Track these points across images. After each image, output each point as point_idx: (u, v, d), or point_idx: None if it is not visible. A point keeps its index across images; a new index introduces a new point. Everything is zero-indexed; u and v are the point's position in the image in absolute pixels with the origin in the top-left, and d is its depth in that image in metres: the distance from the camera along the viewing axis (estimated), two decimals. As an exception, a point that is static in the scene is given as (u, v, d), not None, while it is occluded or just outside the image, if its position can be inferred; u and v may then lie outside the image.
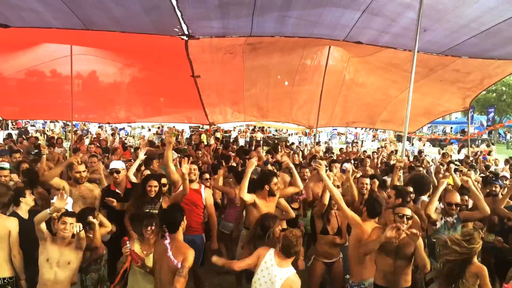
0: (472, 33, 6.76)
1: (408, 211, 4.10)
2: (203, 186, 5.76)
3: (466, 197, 5.70)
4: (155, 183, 5.08)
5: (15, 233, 4.21)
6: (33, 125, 32.29)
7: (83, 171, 5.26)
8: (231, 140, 21.82)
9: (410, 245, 3.97)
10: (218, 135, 22.11)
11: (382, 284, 4.18)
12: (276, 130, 31.09)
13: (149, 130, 30.90)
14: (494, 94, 42.39)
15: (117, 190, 5.45)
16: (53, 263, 3.89)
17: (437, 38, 7.18)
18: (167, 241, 3.80)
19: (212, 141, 18.16)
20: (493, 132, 39.09)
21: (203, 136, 19.92)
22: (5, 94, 12.00)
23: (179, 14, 6.00)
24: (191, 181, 5.37)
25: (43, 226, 3.94)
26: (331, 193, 4.53)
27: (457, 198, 4.97)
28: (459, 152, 16.34)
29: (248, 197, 5.02)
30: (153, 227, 4.17)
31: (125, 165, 5.83)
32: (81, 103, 12.51)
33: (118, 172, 5.47)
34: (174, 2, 5.60)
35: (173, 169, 5.55)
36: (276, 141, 18.14)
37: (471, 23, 6.36)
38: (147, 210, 4.96)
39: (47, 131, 29.71)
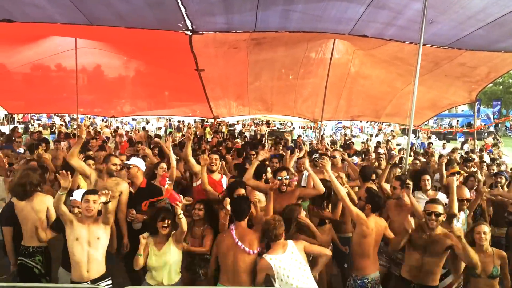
0: (479, 25, 6.66)
1: (439, 208, 4.12)
2: (224, 176, 5.81)
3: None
4: (242, 191, 4.80)
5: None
6: (39, 119, 32.47)
7: (119, 164, 5.18)
8: (236, 134, 21.80)
9: (442, 243, 4.03)
10: (223, 129, 22.06)
11: (407, 277, 4.28)
12: (280, 124, 31.01)
13: (147, 123, 30.73)
14: (501, 87, 42.06)
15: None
16: (84, 243, 3.93)
17: (443, 30, 7.10)
18: (233, 231, 4.10)
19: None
20: (499, 125, 38.86)
21: (208, 130, 19.93)
22: (10, 88, 12.06)
23: (183, 9, 5.98)
24: (212, 171, 5.45)
25: (64, 208, 3.98)
26: (336, 190, 4.48)
27: (466, 193, 5.08)
28: (461, 147, 16.27)
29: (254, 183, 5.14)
30: (168, 221, 4.19)
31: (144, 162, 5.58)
32: (86, 96, 12.57)
33: (128, 167, 5.30)
34: (178, -2, 5.58)
35: (193, 162, 5.64)
36: (281, 135, 18.07)
37: (478, 14, 6.27)
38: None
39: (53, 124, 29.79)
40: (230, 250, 4.06)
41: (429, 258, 4.11)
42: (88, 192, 4.09)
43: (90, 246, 3.96)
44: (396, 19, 6.79)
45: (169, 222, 4.18)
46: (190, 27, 6.86)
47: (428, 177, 5.66)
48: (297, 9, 6.38)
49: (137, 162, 5.34)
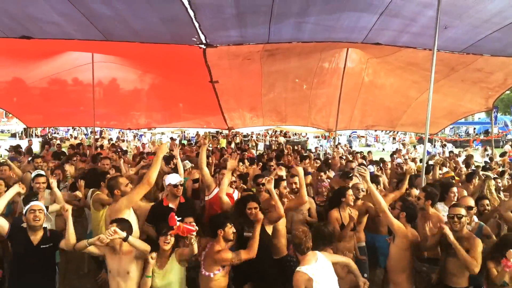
0: (495, 28, 6.54)
1: (462, 211, 4.17)
2: (236, 190, 5.81)
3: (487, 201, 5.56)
4: (254, 204, 4.70)
5: None
6: (57, 133, 33.00)
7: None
8: (249, 145, 21.78)
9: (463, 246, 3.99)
10: (238, 139, 22.11)
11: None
12: (295, 134, 30.96)
13: (163, 134, 30.53)
14: (519, 93, 41.35)
15: (170, 205, 5.10)
16: (114, 273, 3.89)
17: (458, 35, 7.00)
18: (208, 246, 4.14)
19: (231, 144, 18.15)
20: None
21: (222, 141, 20.00)
22: (28, 103, 12.31)
23: (196, 25, 6.05)
24: None
25: (93, 249, 3.93)
26: (377, 201, 4.44)
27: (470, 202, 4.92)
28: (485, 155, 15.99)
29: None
30: (171, 237, 4.02)
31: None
32: (103, 110, 12.75)
33: (182, 185, 5.19)
34: (192, 14, 5.64)
35: (206, 171, 5.57)
36: (296, 145, 17.97)
37: (494, 18, 6.17)
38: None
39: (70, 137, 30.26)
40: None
41: (450, 258, 4.08)
42: (114, 221, 3.95)
43: (120, 276, 3.88)
44: (409, 26, 6.76)
45: (172, 238, 4.01)
46: (204, 41, 6.93)
47: (455, 189, 5.61)
48: (310, 20, 6.40)
49: (181, 178, 5.35)
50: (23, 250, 4.07)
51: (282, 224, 5.05)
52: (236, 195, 5.69)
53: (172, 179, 5.16)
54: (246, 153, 12.12)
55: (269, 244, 4.79)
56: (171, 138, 24.66)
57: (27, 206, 4.12)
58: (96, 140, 16.31)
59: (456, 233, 4.09)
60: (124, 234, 3.72)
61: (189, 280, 4.29)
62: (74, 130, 33.27)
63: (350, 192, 5.37)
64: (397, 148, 18.30)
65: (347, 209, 5.35)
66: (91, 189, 5.81)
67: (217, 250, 4.03)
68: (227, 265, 4.06)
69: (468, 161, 11.46)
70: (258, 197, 5.19)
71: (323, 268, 3.73)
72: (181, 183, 5.16)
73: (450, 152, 16.10)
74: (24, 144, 17.31)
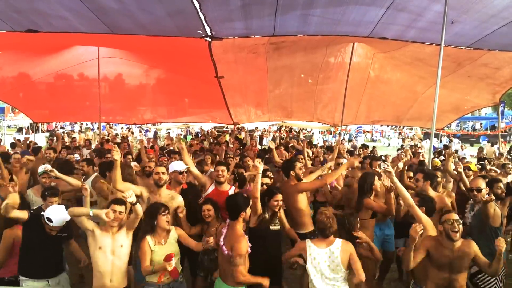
0: (502, 22, 6.49)
1: (455, 216, 3.89)
2: (233, 187, 5.56)
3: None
4: (280, 197, 4.64)
5: None
6: (63, 127, 33.11)
7: (163, 173, 4.72)
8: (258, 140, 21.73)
9: (466, 257, 3.83)
10: (243, 134, 22.07)
11: None
12: (300, 129, 30.84)
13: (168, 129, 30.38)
14: (526, 88, 40.90)
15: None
16: (107, 252, 3.81)
17: (465, 30, 6.96)
18: (224, 229, 4.02)
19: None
20: (525, 127, 37.82)
21: (227, 136, 19.98)
22: (35, 98, 12.39)
23: (202, 16, 6.05)
24: (220, 182, 5.23)
25: (83, 220, 3.85)
26: (403, 196, 4.34)
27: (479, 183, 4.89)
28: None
29: None
30: (169, 214, 4.07)
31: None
32: (108, 105, 12.80)
33: (187, 172, 5.23)
34: (197, 6, 5.65)
35: (196, 172, 5.38)
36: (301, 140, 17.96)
37: (501, 12, 6.13)
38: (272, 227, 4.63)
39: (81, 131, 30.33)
40: (219, 247, 4.03)
41: (456, 275, 3.84)
42: (115, 201, 3.94)
43: (114, 254, 3.83)
44: (416, 21, 6.73)
45: (169, 215, 4.07)
46: (209, 33, 6.94)
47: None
48: (316, 13, 6.37)
49: (184, 166, 5.28)
50: (37, 238, 4.08)
51: (303, 204, 5.24)
52: (232, 191, 5.40)
53: (177, 166, 5.18)
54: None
55: (279, 241, 4.81)
56: (168, 134, 24.62)
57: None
58: (106, 136, 16.32)
59: (454, 242, 3.80)
60: (134, 199, 3.81)
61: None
62: (81, 124, 33.33)
63: (376, 178, 5.31)
64: (408, 145, 18.16)
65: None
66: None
67: (240, 235, 3.90)
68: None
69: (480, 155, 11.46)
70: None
71: (327, 257, 3.76)
72: (187, 170, 5.20)
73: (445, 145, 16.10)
74: (31, 138, 17.34)
